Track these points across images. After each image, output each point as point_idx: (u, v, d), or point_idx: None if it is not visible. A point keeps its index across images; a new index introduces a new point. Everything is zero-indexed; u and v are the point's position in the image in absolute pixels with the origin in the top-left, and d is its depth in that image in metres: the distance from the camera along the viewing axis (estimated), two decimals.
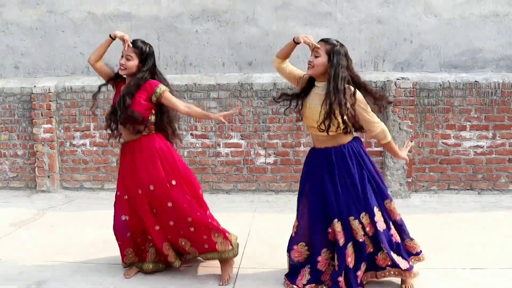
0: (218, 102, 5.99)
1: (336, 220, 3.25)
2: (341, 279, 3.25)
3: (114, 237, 4.45)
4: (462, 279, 3.50)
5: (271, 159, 6.04)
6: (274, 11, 6.10)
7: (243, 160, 6.08)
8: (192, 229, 3.47)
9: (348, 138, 3.29)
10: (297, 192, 5.86)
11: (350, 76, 3.19)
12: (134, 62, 3.50)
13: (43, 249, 4.24)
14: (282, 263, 3.81)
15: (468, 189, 5.89)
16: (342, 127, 3.18)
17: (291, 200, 5.86)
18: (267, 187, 6.06)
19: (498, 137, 5.80)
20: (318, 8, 6.03)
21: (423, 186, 5.92)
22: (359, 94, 3.17)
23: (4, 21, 6.50)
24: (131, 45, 3.49)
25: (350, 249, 3.26)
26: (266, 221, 5.05)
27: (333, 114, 3.09)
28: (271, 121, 5.97)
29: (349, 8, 6.03)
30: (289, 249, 3.47)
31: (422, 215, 5.20)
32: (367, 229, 3.25)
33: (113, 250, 4.15)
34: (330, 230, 3.30)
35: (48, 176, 6.27)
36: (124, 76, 3.61)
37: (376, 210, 3.25)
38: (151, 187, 3.44)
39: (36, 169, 6.30)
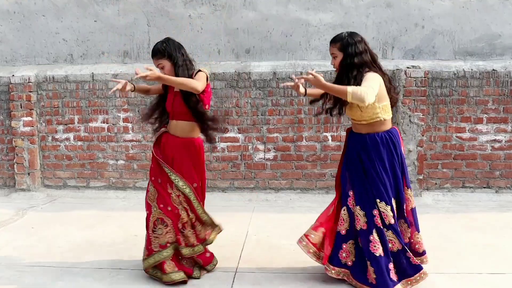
0: (214, 93, 5.96)
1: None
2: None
3: (100, 240, 4.45)
4: (479, 285, 3.48)
5: (270, 155, 6.02)
6: None
7: (241, 155, 6.06)
8: None
9: (384, 127, 3.43)
10: (298, 190, 5.94)
11: (371, 59, 3.38)
12: (167, 67, 3.54)
13: (23, 252, 4.21)
14: (282, 267, 3.82)
15: (484, 187, 5.88)
16: (375, 115, 3.37)
17: (292, 199, 5.85)
18: (266, 185, 6.05)
19: None
20: None
21: (436, 183, 5.91)
22: (370, 74, 3.29)
23: None
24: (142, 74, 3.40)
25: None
26: (265, 221, 5.04)
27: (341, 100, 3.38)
28: (270, 113, 5.95)
29: None
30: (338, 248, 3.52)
31: (435, 215, 5.19)
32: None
33: (99, 253, 4.14)
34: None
35: (29, 174, 6.25)
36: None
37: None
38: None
39: (15, 165, 6.28)
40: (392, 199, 3.39)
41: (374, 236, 3.34)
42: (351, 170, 3.49)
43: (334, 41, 3.42)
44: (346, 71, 3.34)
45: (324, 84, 3.19)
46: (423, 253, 3.52)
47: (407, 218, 3.47)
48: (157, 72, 3.30)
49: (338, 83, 3.37)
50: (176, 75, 3.50)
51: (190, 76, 3.50)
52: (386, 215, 3.35)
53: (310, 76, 3.17)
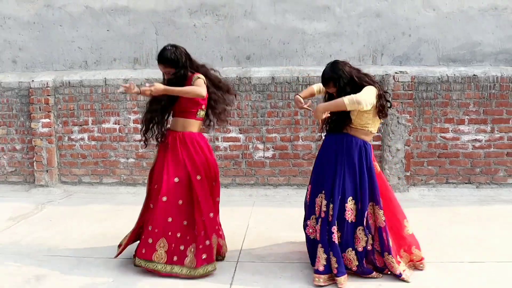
0: None
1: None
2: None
3: (112, 232, 4.46)
4: (461, 273, 3.49)
5: (269, 153, 6.02)
6: (272, 4, 6.06)
7: (242, 154, 6.06)
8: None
9: (365, 137, 3.45)
10: (295, 186, 5.95)
11: (358, 75, 3.38)
12: (171, 72, 3.51)
13: (42, 243, 4.22)
14: (280, 257, 3.82)
15: (466, 183, 5.88)
16: (365, 123, 3.39)
17: (289, 194, 5.85)
18: (265, 181, 6.05)
19: (497, 130, 5.79)
20: (317, 2, 5.99)
21: (422, 180, 5.91)
22: (366, 87, 3.31)
23: (1, 16, 6.45)
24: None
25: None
26: (265, 215, 5.04)
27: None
28: (269, 115, 5.95)
29: (348, 1, 5.99)
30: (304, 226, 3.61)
31: (421, 208, 5.19)
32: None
33: (111, 244, 4.14)
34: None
35: (47, 171, 6.25)
36: None
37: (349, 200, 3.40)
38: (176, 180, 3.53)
39: (34, 163, 6.28)
40: (338, 199, 3.35)
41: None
42: (323, 163, 3.52)
43: (326, 82, 3.41)
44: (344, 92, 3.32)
45: (324, 108, 3.25)
46: (398, 275, 3.38)
47: (368, 228, 3.38)
48: (160, 86, 3.29)
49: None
50: (175, 79, 3.45)
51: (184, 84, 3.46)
52: (319, 207, 3.39)
53: (314, 113, 3.29)
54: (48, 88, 6.18)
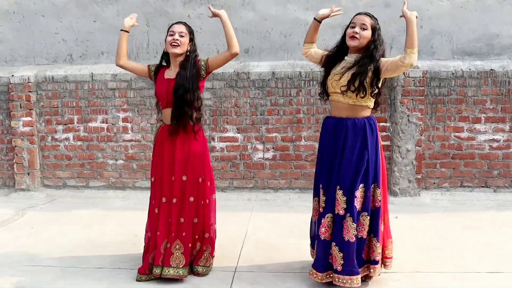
0: (213, 93, 5.96)
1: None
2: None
3: (100, 239, 4.45)
4: (477, 284, 3.49)
5: (269, 154, 6.02)
6: None
7: (240, 155, 6.05)
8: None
9: (365, 113, 3.40)
10: (297, 190, 5.94)
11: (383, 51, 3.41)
12: (186, 39, 3.60)
13: (23, 252, 4.21)
14: (281, 266, 3.81)
15: (483, 187, 5.88)
16: (362, 95, 3.30)
17: (291, 198, 5.85)
18: (265, 185, 6.04)
19: None
20: None
21: (434, 183, 5.91)
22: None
23: None
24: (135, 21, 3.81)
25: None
26: (264, 221, 5.04)
27: (362, 76, 3.26)
28: (269, 113, 5.95)
29: None
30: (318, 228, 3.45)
31: (433, 214, 5.19)
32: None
33: (99, 252, 4.13)
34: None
35: (28, 173, 6.24)
36: (177, 52, 3.58)
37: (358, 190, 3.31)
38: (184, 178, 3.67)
39: (14, 165, 6.27)
40: (338, 187, 3.31)
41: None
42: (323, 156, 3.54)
43: (371, 16, 3.39)
44: (372, 51, 3.29)
45: (412, 24, 3.31)
46: (373, 262, 3.36)
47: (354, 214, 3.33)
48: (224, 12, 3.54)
49: (334, 60, 3.46)
50: (189, 56, 3.60)
51: (196, 62, 3.61)
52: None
53: (414, 13, 3.31)
54: (30, 83, 6.17)
